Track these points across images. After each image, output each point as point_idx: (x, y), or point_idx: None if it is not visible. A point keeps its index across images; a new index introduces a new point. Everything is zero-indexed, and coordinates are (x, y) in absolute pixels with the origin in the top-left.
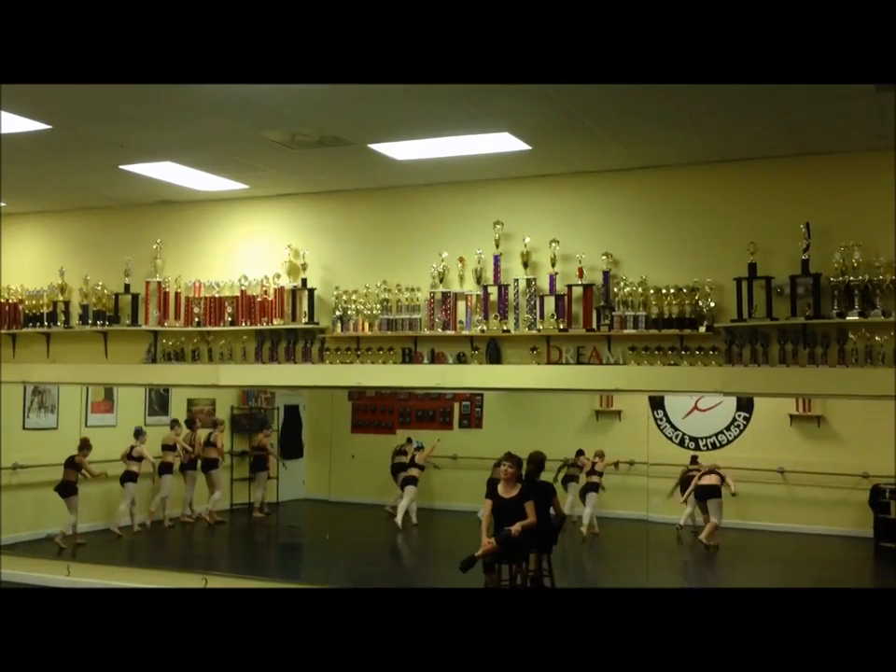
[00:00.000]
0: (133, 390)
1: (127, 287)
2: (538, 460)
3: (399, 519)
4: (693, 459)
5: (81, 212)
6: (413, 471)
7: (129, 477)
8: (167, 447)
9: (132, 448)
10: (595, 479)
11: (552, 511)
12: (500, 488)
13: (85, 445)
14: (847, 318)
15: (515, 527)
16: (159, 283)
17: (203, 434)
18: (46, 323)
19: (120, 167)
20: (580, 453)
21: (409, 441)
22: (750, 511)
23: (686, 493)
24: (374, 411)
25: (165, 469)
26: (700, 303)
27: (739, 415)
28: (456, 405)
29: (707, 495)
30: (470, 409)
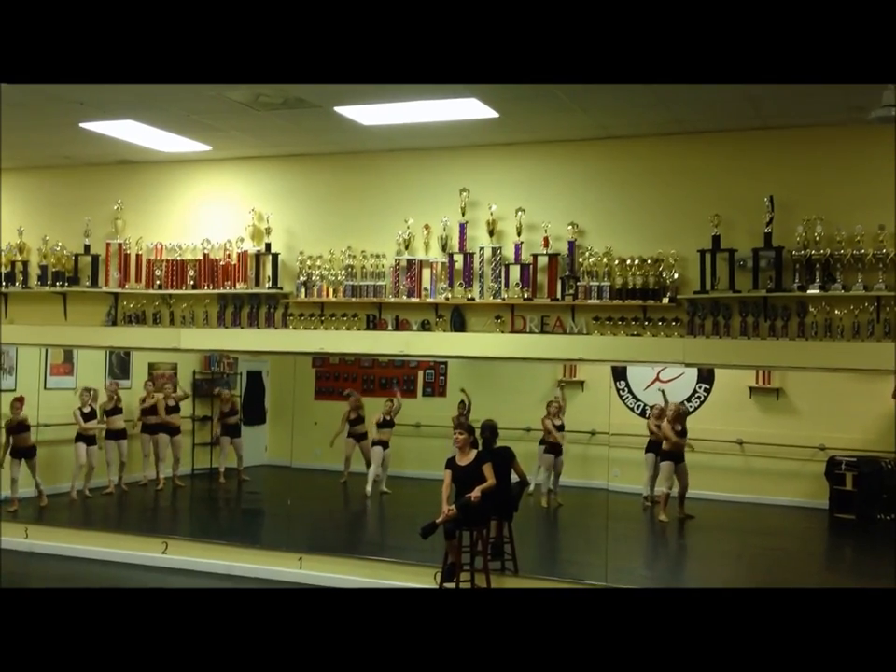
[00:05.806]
0: (92, 353)
1: (87, 247)
2: (492, 427)
3: (369, 488)
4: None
5: (40, 170)
6: (384, 434)
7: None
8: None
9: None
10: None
11: (513, 477)
12: (457, 457)
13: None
14: (808, 292)
15: (475, 493)
16: (119, 244)
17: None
18: (3, 283)
19: (80, 125)
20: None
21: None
22: (709, 482)
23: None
24: (338, 378)
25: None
26: (664, 275)
27: (700, 387)
28: (420, 373)
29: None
30: (434, 377)
